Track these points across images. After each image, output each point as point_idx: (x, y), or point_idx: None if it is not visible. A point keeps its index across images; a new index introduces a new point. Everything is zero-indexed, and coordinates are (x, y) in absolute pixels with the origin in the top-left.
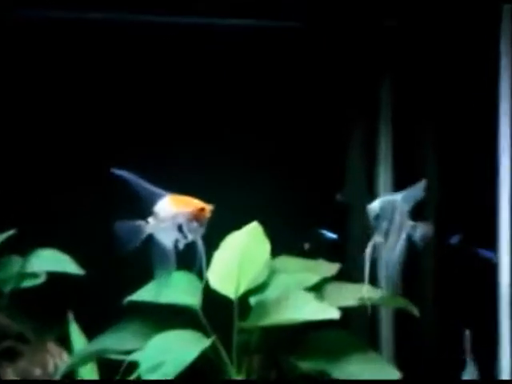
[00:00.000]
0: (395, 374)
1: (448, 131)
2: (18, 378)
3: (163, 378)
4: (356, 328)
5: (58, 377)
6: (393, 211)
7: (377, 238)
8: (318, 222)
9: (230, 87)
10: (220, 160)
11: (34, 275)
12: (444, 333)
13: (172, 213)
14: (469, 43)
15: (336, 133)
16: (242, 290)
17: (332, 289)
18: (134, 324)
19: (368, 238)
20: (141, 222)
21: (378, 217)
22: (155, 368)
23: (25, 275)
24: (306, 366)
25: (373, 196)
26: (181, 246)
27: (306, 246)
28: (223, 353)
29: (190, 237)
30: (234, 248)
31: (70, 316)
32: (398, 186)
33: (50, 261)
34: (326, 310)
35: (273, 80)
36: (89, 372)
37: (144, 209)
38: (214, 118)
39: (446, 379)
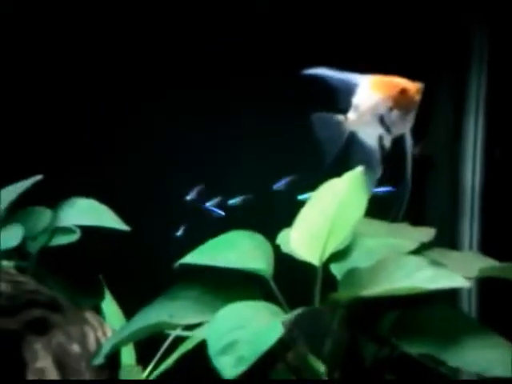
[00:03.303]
0: None
1: None
2: (51, 356)
3: (238, 362)
4: None
5: (101, 357)
6: None
7: None
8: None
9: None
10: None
11: (68, 230)
12: None
13: (372, 102)
14: None
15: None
16: (327, 254)
17: (438, 256)
18: (192, 291)
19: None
20: (339, 117)
21: None
22: (226, 349)
23: (56, 230)
24: (413, 349)
25: (459, 150)
26: (387, 143)
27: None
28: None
29: (395, 130)
30: (331, 198)
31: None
32: (490, 137)
33: (87, 213)
34: (451, 277)
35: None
36: (126, 351)
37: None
38: None
39: None
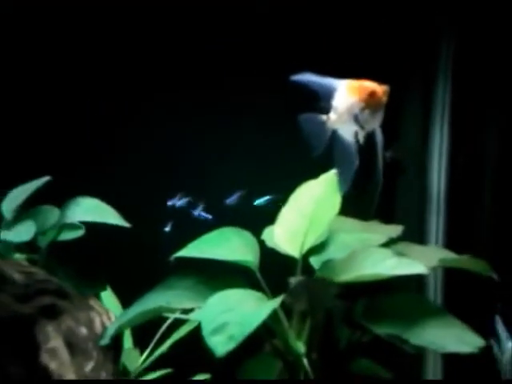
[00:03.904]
0: (478, 342)
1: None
2: (62, 337)
3: (229, 341)
4: None
5: (107, 338)
6: None
7: None
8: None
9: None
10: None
11: (74, 226)
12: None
13: (348, 104)
14: None
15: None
16: (306, 247)
17: (403, 249)
18: (187, 281)
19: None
20: (323, 117)
21: None
22: (218, 330)
23: (64, 227)
24: (381, 330)
25: (427, 155)
26: (361, 138)
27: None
28: (282, 316)
29: (368, 127)
30: (308, 198)
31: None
32: (455, 143)
33: (91, 211)
34: (411, 265)
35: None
36: (125, 336)
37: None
38: None
39: None
